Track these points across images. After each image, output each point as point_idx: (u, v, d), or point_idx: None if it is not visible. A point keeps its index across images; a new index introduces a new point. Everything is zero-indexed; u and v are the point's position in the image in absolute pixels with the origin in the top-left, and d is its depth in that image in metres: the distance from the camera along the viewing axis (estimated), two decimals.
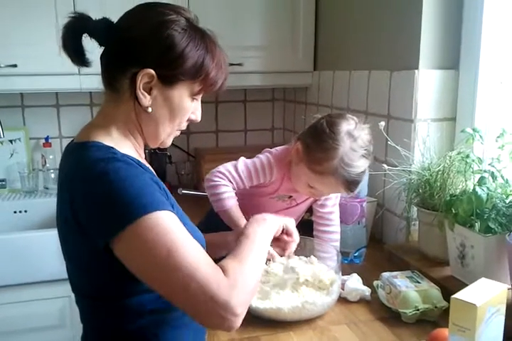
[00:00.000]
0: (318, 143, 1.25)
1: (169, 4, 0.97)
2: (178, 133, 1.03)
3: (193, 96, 0.98)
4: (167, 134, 1.00)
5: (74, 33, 0.93)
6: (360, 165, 1.24)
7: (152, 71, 0.91)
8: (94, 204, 0.85)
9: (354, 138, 1.23)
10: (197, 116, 1.02)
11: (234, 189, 1.35)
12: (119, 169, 0.86)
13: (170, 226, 0.84)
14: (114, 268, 0.88)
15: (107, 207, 0.84)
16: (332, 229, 1.43)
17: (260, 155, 1.38)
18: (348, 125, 1.25)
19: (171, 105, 0.95)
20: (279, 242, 1.17)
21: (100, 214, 0.84)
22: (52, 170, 2.28)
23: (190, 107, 0.99)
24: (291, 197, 1.41)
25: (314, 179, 1.28)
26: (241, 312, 0.84)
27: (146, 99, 0.93)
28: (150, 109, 0.94)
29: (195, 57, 0.93)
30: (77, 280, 0.99)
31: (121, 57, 0.93)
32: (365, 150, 1.24)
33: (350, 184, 1.24)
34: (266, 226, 1.05)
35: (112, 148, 0.92)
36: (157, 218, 0.83)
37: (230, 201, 1.33)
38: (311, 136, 1.28)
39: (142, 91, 0.92)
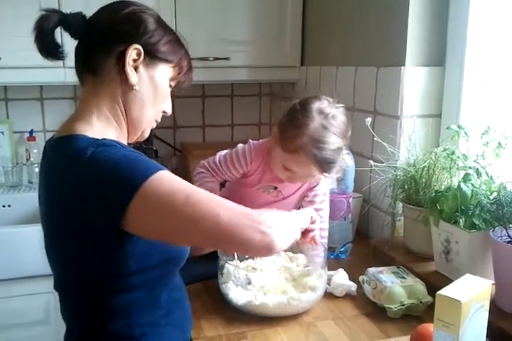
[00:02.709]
0: (289, 121, 1.27)
1: (137, 2, 1.02)
2: (154, 124, 1.06)
3: (170, 81, 1.02)
4: (149, 120, 1.02)
5: (50, 27, 0.93)
6: (331, 141, 1.22)
7: (140, 47, 0.94)
8: (94, 187, 0.85)
9: (325, 115, 1.24)
10: (169, 107, 1.06)
11: (214, 177, 1.41)
12: (110, 149, 0.88)
13: (177, 179, 0.87)
14: (110, 263, 0.89)
15: (109, 185, 0.84)
16: (321, 225, 1.41)
17: (239, 145, 1.40)
18: (321, 104, 1.26)
19: (155, 85, 0.99)
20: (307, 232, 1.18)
21: (105, 194, 0.84)
22: (36, 165, 2.25)
23: (168, 92, 1.03)
24: (276, 188, 1.40)
25: (287, 159, 1.27)
26: (275, 228, 0.88)
27: (134, 76, 0.95)
28: (137, 87, 0.96)
29: (172, 42, 1.00)
30: (66, 278, 0.99)
31: (106, 38, 0.95)
32: (336, 127, 1.23)
33: (321, 162, 1.23)
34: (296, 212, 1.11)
35: (98, 138, 0.92)
36: (162, 176, 0.85)
37: (208, 184, 1.38)
38: (285, 115, 1.30)
39: (130, 67, 0.94)
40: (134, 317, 0.94)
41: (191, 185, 0.88)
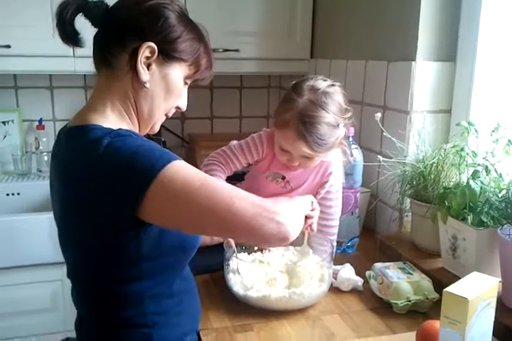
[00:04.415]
0: (282, 99, 1.29)
1: None
2: (164, 118, 1.06)
3: (186, 79, 1.01)
4: (161, 115, 1.02)
5: (71, 12, 0.93)
6: (318, 115, 1.21)
7: (154, 45, 0.93)
8: (112, 176, 0.85)
9: (315, 91, 1.24)
10: (183, 103, 1.05)
11: (226, 170, 1.39)
12: (126, 138, 0.88)
13: (193, 168, 0.88)
14: (123, 250, 0.90)
15: (127, 173, 0.84)
16: (331, 223, 1.41)
17: (253, 134, 1.41)
18: (314, 81, 1.26)
19: (167, 83, 0.98)
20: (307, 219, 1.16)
21: (122, 181, 0.84)
22: (45, 153, 2.27)
23: (182, 89, 1.02)
24: (284, 178, 1.40)
25: (279, 136, 1.28)
26: (289, 218, 0.89)
27: (145, 74, 0.94)
28: (148, 85, 0.95)
29: (191, 40, 0.97)
30: (79, 266, 1.00)
31: (122, 32, 0.95)
32: (326, 103, 1.23)
33: (307, 137, 1.21)
34: (299, 199, 1.09)
35: (113, 129, 0.92)
36: (179, 164, 0.86)
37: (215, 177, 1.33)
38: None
39: (142, 65, 0.94)
40: (147, 305, 0.96)
41: (206, 174, 0.89)
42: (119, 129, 0.91)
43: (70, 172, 0.92)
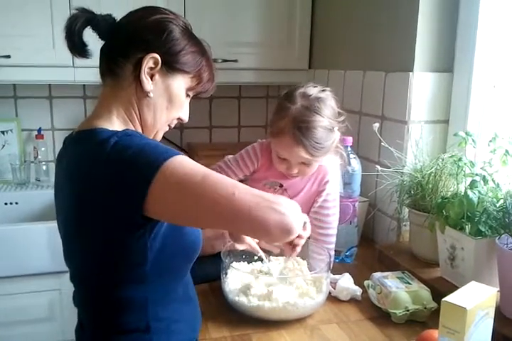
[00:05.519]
0: (276, 108, 1.31)
1: (167, 9, 1.04)
2: (166, 128, 1.08)
3: (188, 90, 1.03)
4: (163, 123, 1.04)
5: (79, 25, 0.96)
6: (312, 120, 1.23)
7: (158, 56, 0.96)
8: (119, 173, 0.86)
9: (307, 97, 1.26)
10: (185, 114, 1.08)
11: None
12: (132, 137, 0.91)
13: (195, 162, 0.90)
14: (130, 253, 0.91)
15: (132, 169, 0.86)
16: (328, 232, 1.41)
17: (247, 146, 1.43)
18: (305, 88, 1.28)
19: (170, 94, 1.00)
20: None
21: (128, 177, 0.86)
22: (44, 162, 2.27)
23: (184, 101, 1.04)
24: (281, 186, 1.41)
25: (276, 145, 1.30)
26: (291, 210, 0.90)
27: (148, 84, 0.97)
28: (151, 94, 0.98)
29: (194, 53, 1.01)
30: (83, 269, 1.00)
31: (128, 45, 0.97)
32: (319, 107, 1.24)
33: (304, 142, 1.23)
34: None
35: (119, 130, 0.95)
36: (182, 158, 0.88)
37: None
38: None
39: (146, 75, 0.96)
40: (147, 311, 0.96)
41: (207, 168, 0.91)
42: (126, 129, 0.94)
43: (79, 173, 0.93)
